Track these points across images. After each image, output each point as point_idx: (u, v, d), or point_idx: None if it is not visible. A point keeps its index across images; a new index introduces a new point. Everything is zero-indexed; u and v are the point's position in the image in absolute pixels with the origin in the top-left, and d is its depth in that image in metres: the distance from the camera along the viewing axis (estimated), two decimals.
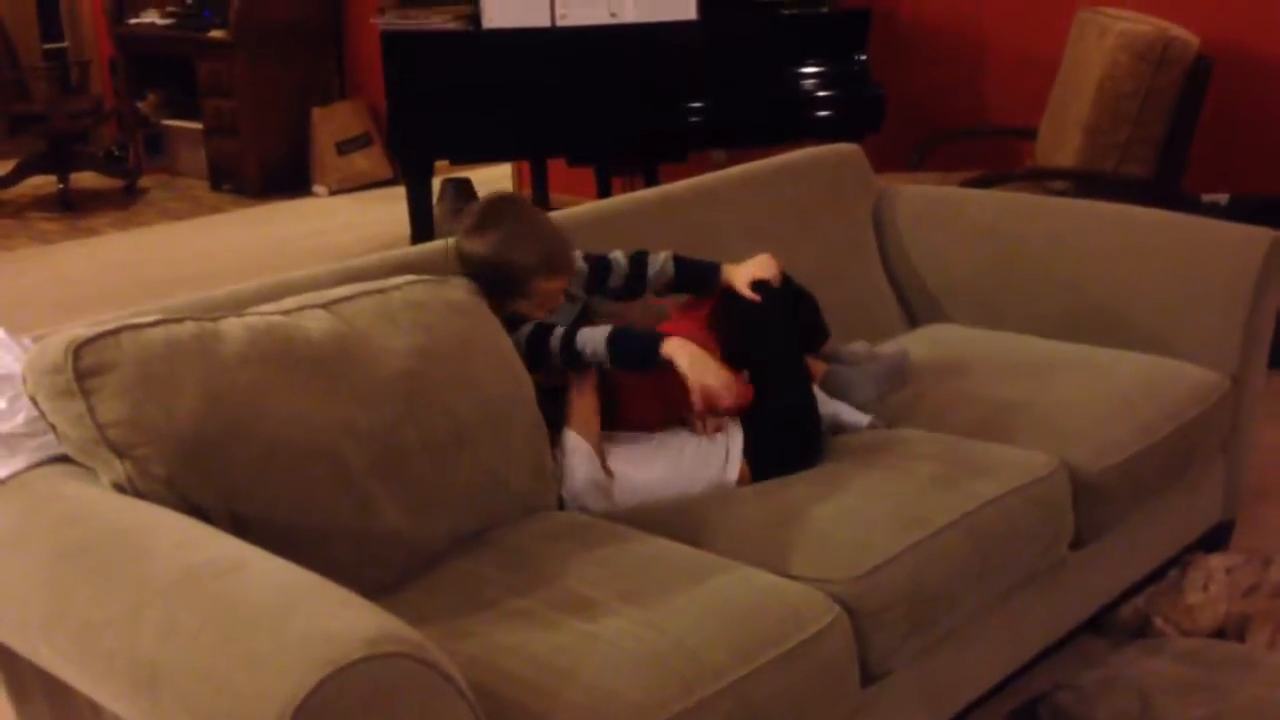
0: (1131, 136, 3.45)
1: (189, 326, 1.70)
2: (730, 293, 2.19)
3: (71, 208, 6.34)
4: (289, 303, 1.85)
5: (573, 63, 4.06)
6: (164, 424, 1.60)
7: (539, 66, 4.06)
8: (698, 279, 2.23)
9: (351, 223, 5.90)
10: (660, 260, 2.22)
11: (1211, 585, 2.41)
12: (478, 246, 2.03)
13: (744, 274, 2.19)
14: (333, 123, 6.50)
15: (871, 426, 2.24)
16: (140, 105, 7.10)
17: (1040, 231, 2.75)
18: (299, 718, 1.15)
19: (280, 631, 1.24)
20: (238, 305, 1.85)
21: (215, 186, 6.71)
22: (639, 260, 2.21)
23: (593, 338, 1.99)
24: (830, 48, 4.18)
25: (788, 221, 2.70)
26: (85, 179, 6.68)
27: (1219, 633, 2.34)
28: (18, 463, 1.65)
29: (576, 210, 2.48)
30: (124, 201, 6.53)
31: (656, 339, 2.01)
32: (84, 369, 1.60)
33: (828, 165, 2.86)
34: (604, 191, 4.48)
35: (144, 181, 6.81)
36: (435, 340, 1.87)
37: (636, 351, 2.00)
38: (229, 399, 1.65)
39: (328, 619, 1.26)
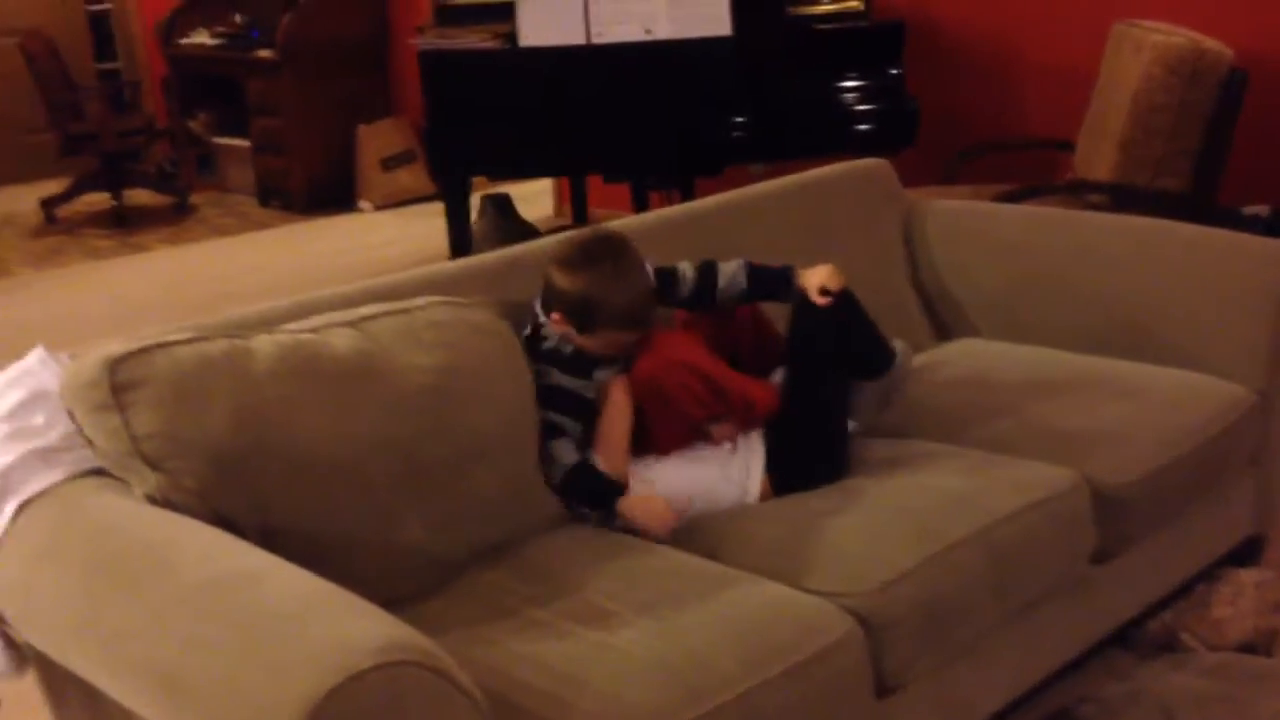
0: (1166, 150, 3.43)
1: (220, 343, 1.75)
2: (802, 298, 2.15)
3: (124, 224, 6.47)
4: (317, 320, 1.89)
5: (608, 80, 4.10)
6: (196, 437, 1.65)
7: (574, 84, 4.10)
8: (772, 286, 2.18)
9: (395, 238, 5.98)
10: (730, 270, 2.17)
11: (1240, 599, 2.40)
12: (567, 280, 2.00)
13: (815, 280, 2.14)
14: (378, 139, 6.59)
15: (852, 431, 2.20)
16: (191, 124, 7.24)
17: (1068, 246, 2.75)
18: None
19: (297, 640, 1.29)
20: (268, 323, 1.90)
21: (263, 203, 6.82)
22: (707, 271, 2.17)
23: (559, 466, 1.98)
24: (865, 61, 4.18)
25: (815, 237, 2.71)
26: (138, 196, 6.80)
27: (1247, 647, 2.32)
28: (55, 475, 1.71)
29: None
30: (175, 218, 6.65)
31: (615, 493, 1.98)
32: (120, 383, 1.65)
33: (855, 180, 2.87)
34: (641, 206, 4.51)
35: (195, 198, 6.93)
36: (458, 357, 1.91)
37: (596, 494, 2.00)
38: (258, 413, 1.70)
39: (342, 627, 1.30)
